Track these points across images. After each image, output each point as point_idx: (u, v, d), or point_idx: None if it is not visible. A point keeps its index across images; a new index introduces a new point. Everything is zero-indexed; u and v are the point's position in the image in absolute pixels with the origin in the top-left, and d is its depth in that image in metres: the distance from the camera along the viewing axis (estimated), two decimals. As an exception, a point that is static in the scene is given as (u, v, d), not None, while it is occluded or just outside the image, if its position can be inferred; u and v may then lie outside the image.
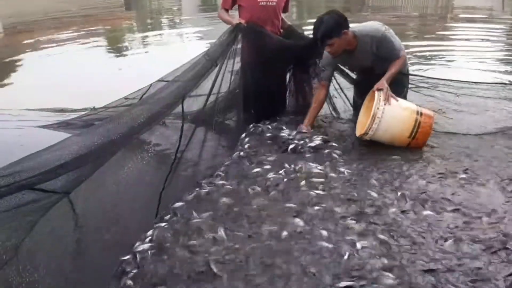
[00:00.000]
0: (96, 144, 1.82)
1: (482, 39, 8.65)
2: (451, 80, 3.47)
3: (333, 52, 3.14)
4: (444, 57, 7.23)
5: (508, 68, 6.45)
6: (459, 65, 6.76)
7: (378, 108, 2.94)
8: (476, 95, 3.44)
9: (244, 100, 3.48)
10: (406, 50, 3.57)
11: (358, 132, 3.18)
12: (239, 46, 3.23)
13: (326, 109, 3.89)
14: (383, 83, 3.08)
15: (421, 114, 3.06)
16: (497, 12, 13.49)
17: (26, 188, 1.55)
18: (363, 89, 3.51)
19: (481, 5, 14.51)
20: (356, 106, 3.69)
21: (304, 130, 3.26)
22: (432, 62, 6.73)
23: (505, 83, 3.94)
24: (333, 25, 3.01)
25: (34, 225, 1.75)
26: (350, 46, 3.17)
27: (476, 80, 3.56)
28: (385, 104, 2.97)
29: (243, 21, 3.25)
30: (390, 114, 2.98)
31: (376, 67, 3.31)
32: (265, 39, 3.39)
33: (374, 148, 3.10)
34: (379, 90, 3.04)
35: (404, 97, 3.43)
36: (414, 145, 3.06)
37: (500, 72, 6.02)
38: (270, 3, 3.44)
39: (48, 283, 1.64)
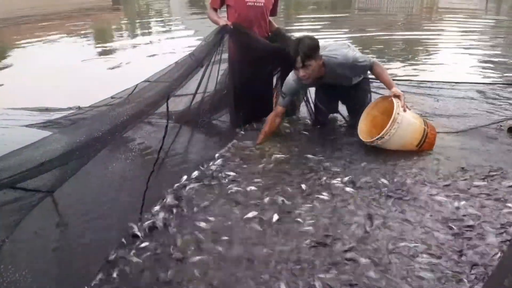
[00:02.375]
0: (79, 142, 1.81)
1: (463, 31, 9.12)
2: (430, 82, 3.56)
3: (307, 76, 3.10)
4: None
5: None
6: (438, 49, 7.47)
7: (398, 113, 2.91)
8: (454, 96, 3.52)
9: (230, 101, 3.50)
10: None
11: (365, 138, 3.14)
12: (225, 47, 3.24)
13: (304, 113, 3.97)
14: (398, 90, 3.09)
15: (427, 125, 3.09)
16: (480, 13, 13.82)
17: (6, 187, 1.54)
18: (324, 95, 3.60)
19: (465, 7, 14.82)
20: (318, 112, 3.73)
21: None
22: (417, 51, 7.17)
23: (481, 83, 4.04)
24: (312, 46, 3.01)
25: (17, 224, 1.73)
26: (320, 74, 3.18)
27: (454, 80, 3.69)
28: (403, 110, 2.96)
29: (229, 23, 3.26)
30: (406, 122, 2.97)
31: (344, 83, 3.39)
32: (252, 41, 3.40)
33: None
34: (395, 96, 3.03)
35: (369, 102, 3.49)
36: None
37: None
38: (257, 4, 3.45)
39: (29, 282, 1.63)
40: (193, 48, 3.11)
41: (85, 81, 5.53)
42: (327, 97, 3.66)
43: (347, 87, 3.46)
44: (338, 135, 3.49)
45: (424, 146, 3.06)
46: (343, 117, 3.80)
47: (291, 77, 3.29)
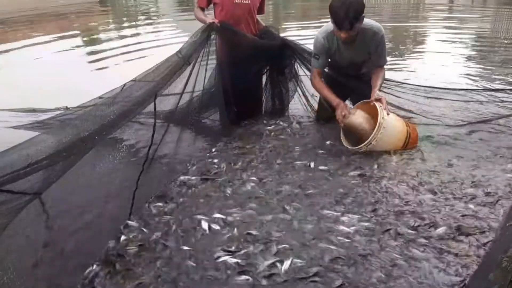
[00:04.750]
0: (65, 143, 1.79)
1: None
2: (421, 86, 3.63)
3: (350, 38, 3.02)
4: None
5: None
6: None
7: (383, 118, 2.96)
8: (444, 98, 3.60)
9: (219, 100, 3.50)
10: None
11: (350, 145, 3.17)
12: (213, 46, 3.23)
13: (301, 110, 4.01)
14: (379, 94, 3.11)
15: (409, 126, 3.17)
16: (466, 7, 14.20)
17: (-9, 190, 1.52)
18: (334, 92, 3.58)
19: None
20: (322, 108, 3.73)
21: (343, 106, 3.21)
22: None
23: (470, 89, 4.13)
24: (361, 10, 2.90)
25: (5, 228, 1.71)
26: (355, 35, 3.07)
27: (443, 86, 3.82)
28: (387, 114, 3.01)
29: (216, 21, 3.25)
30: (391, 125, 3.02)
31: (364, 66, 3.36)
32: (239, 38, 3.40)
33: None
34: (377, 101, 3.05)
35: None
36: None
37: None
38: (244, 1, 3.45)
39: (17, 285, 1.62)
40: (181, 46, 3.09)
41: (73, 81, 5.48)
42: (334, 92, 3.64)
43: (353, 82, 3.44)
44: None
45: (408, 146, 3.14)
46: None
47: (319, 35, 3.20)
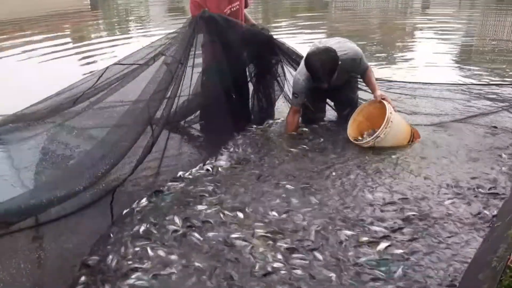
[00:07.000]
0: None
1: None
2: (407, 82, 3.68)
3: (330, 83, 3.12)
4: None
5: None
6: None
7: (391, 113, 3.05)
8: (430, 95, 3.67)
9: (209, 104, 3.46)
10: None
11: (357, 141, 3.25)
12: (199, 47, 3.14)
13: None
14: (382, 93, 3.21)
15: (411, 126, 3.27)
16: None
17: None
18: (312, 94, 3.57)
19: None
20: (307, 109, 3.73)
21: None
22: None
23: (457, 84, 4.18)
24: (335, 61, 3.03)
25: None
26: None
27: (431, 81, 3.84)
28: (395, 111, 3.13)
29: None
30: (397, 121, 3.12)
31: (346, 82, 3.43)
32: (227, 24, 3.28)
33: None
34: (383, 99, 3.16)
35: (357, 101, 3.60)
36: None
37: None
38: (234, 8, 3.44)
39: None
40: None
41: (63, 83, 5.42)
42: (314, 96, 3.65)
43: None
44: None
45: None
46: (333, 108, 3.86)
47: (299, 77, 3.26)
